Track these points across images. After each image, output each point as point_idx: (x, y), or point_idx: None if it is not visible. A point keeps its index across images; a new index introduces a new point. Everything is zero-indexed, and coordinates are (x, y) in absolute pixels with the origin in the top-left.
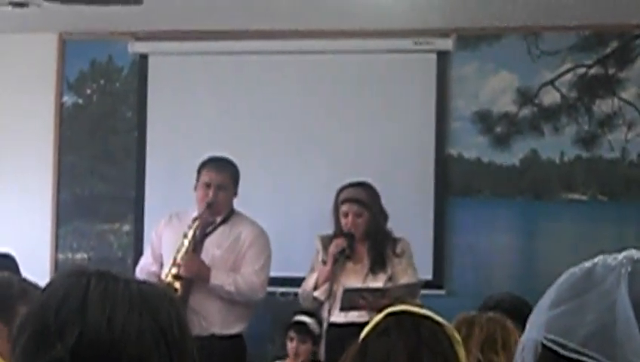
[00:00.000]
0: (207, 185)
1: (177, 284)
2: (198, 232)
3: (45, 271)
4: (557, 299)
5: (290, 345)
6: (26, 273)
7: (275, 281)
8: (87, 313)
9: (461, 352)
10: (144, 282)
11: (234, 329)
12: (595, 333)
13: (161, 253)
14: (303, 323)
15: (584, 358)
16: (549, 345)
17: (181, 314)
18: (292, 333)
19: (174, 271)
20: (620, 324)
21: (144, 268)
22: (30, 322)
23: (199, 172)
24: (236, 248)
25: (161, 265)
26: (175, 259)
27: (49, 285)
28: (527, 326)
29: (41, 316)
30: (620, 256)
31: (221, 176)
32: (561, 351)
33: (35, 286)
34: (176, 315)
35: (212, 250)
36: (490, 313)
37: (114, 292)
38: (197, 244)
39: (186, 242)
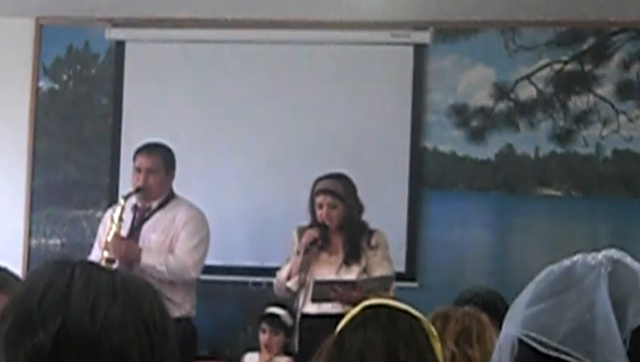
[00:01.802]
0: (138, 170)
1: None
2: (124, 216)
3: (18, 256)
4: (535, 296)
5: (263, 337)
6: None
7: (247, 271)
8: (71, 302)
9: (437, 346)
10: (128, 274)
11: (180, 312)
12: (574, 331)
13: None
14: (275, 316)
15: (563, 356)
16: (529, 342)
17: (163, 305)
18: (264, 325)
19: (106, 254)
20: (599, 323)
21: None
22: (13, 310)
23: (133, 159)
24: (171, 230)
25: None
26: (106, 243)
27: (32, 274)
28: (505, 322)
29: (24, 304)
30: (600, 255)
31: (150, 160)
32: (541, 349)
33: (15, 277)
34: (158, 306)
35: (149, 234)
36: (466, 306)
37: (98, 283)
38: (134, 230)
39: (113, 226)
